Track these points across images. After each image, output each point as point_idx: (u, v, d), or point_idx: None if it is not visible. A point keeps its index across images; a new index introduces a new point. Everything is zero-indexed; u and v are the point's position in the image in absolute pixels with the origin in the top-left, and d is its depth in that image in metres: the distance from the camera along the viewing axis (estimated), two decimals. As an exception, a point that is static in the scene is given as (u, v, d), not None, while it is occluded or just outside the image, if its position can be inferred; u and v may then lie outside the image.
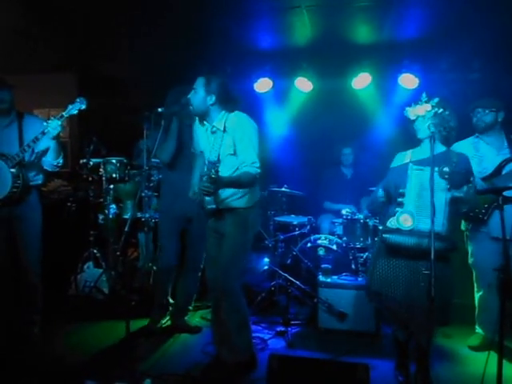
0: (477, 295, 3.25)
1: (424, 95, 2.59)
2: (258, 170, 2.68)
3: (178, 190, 3.19)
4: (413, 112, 2.59)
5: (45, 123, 3.00)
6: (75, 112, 3.04)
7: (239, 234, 2.75)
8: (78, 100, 3.04)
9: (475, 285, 3.26)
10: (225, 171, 2.69)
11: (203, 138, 2.87)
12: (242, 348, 2.80)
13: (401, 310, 2.54)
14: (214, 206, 2.74)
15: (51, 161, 3.13)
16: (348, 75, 4.73)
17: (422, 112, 2.54)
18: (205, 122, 2.81)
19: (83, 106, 3.04)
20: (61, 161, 3.18)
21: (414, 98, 2.64)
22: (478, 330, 3.26)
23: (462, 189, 2.42)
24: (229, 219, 2.77)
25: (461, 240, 3.23)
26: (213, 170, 2.47)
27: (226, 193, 2.72)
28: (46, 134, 2.95)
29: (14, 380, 2.68)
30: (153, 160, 3.53)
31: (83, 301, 3.81)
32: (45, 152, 3.12)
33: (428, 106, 2.54)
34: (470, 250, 3.25)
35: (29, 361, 2.91)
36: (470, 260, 3.24)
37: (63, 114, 3.00)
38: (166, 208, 3.37)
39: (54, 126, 2.94)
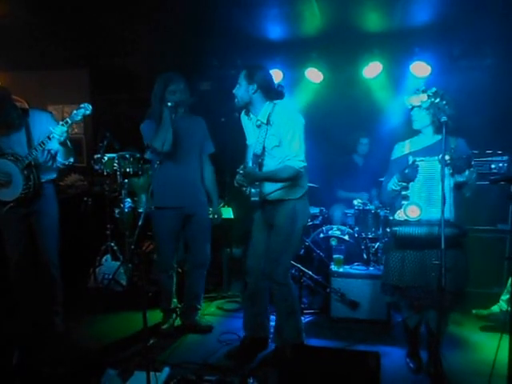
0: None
1: (422, 85, 2.59)
2: (302, 164, 2.68)
3: (175, 184, 3.11)
4: (409, 101, 2.59)
5: (49, 121, 3.06)
6: (80, 118, 2.98)
7: (288, 225, 2.79)
8: (82, 106, 2.99)
9: None
10: (272, 163, 2.75)
11: (251, 131, 2.91)
12: (291, 335, 2.89)
13: (414, 298, 2.58)
14: (257, 199, 2.77)
15: (62, 161, 3.18)
16: (359, 64, 4.70)
17: (417, 102, 2.54)
18: (251, 115, 2.85)
19: (88, 112, 2.99)
20: (71, 160, 3.22)
21: (427, 86, 2.61)
22: (495, 307, 3.33)
23: (464, 173, 2.42)
24: (277, 210, 2.81)
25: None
26: (248, 164, 2.52)
27: (271, 186, 2.77)
28: (51, 139, 2.95)
29: (38, 369, 2.79)
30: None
31: (102, 293, 3.90)
32: (56, 151, 3.16)
33: (424, 97, 2.52)
34: None
35: (52, 350, 3.02)
36: None
37: (68, 120, 2.95)
38: (161, 205, 3.16)
39: (59, 132, 2.91)
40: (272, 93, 2.79)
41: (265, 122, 2.76)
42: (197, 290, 3.38)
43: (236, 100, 2.81)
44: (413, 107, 2.58)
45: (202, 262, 3.34)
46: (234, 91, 2.81)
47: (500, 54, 4.36)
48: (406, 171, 2.50)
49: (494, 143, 3.49)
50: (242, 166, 2.68)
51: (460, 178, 2.45)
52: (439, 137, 2.56)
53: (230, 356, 2.95)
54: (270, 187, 2.78)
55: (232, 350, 3.02)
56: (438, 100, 2.51)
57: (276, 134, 2.73)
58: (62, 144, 3.01)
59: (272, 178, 2.75)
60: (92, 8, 3.91)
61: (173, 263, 3.32)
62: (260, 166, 2.78)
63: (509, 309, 3.24)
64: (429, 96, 2.52)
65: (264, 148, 2.77)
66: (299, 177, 2.74)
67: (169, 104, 2.97)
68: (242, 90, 2.77)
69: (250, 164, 2.82)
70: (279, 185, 2.77)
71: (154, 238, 3.26)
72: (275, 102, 2.80)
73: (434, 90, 2.54)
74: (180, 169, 3.14)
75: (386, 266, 2.71)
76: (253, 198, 2.77)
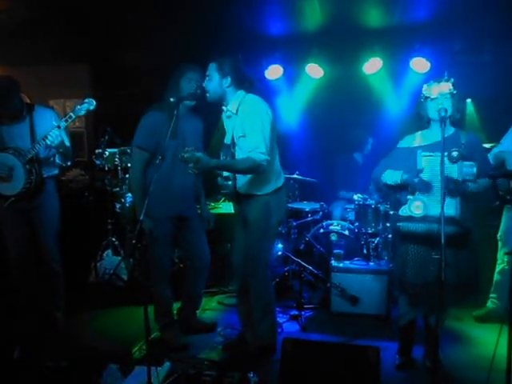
0: (498, 267, 3.30)
1: (446, 74, 2.53)
2: (263, 157, 2.55)
3: (175, 189, 2.93)
4: (436, 89, 2.50)
5: (53, 117, 3.08)
6: (84, 112, 2.98)
7: (261, 220, 2.74)
8: (86, 101, 2.98)
9: (498, 256, 3.32)
10: (240, 155, 2.69)
11: (226, 124, 2.85)
12: (265, 333, 2.84)
13: (416, 292, 2.58)
14: (226, 191, 2.77)
15: (59, 162, 3.21)
16: (359, 60, 4.71)
17: (446, 89, 2.48)
18: (223, 108, 2.79)
19: (92, 107, 2.98)
20: (69, 163, 3.26)
21: (426, 82, 2.59)
22: (489, 303, 3.35)
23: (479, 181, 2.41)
24: (250, 206, 2.77)
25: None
26: (190, 149, 2.37)
27: (242, 180, 2.74)
28: (47, 139, 2.95)
29: (39, 363, 2.80)
30: None
31: (103, 287, 3.91)
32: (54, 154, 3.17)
33: (450, 85, 2.49)
34: (502, 222, 3.29)
35: (53, 345, 3.04)
36: (499, 233, 3.31)
37: (71, 114, 2.94)
38: (159, 214, 2.89)
39: (54, 136, 2.91)
40: (246, 82, 2.72)
41: (234, 112, 2.70)
42: (199, 292, 3.31)
43: (208, 95, 2.74)
44: (436, 96, 2.49)
45: (207, 263, 3.21)
46: (203, 85, 2.74)
47: (498, 51, 4.36)
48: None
49: (495, 138, 3.48)
50: (185, 149, 2.40)
51: (469, 177, 2.39)
52: (452, 130, 2.54)
53: (226, 349, 2.95)
54: (241, 180, 2.74)
55: (229, 343, 3.02)
56: (456, 91, 2.49)
57: (241, 125, 2.66)
58: (56, 148, 3.02)
59: (228, 168, 2.69)
60: (92, 3, 3.91)
61: (170, 269, 3.20)
62: (232, 157, 2.71)
63: (498, 302, 3.30)
64: (453, 85, 2.48)
65: (233, 139, 2.71)
66: (261, 170, 2.59)
67: (171, 99, 2.71)
68: (215, 84, 2.68)
69: (222, 155, 2.75)
70: (247, 178, 2.71)
71: (151, 247, 2.96)
72: (247, 92, 2.72)
73: (452, 80, 2.50)
74: (180, 173, 2.88)
75: (393, 260, 2.70)
76: (222, 191, 2.77)
